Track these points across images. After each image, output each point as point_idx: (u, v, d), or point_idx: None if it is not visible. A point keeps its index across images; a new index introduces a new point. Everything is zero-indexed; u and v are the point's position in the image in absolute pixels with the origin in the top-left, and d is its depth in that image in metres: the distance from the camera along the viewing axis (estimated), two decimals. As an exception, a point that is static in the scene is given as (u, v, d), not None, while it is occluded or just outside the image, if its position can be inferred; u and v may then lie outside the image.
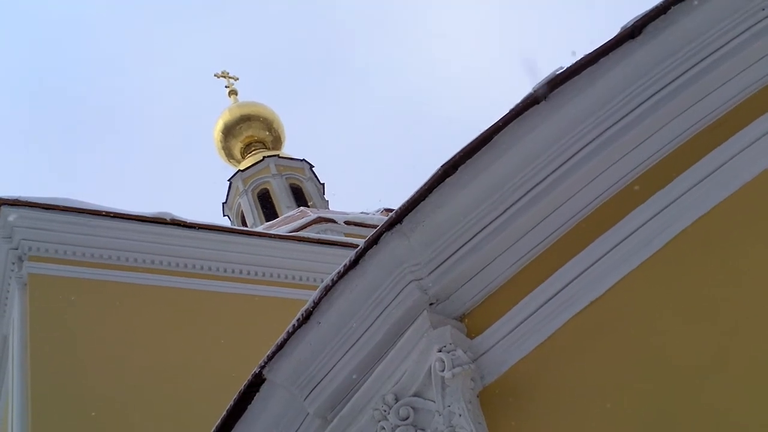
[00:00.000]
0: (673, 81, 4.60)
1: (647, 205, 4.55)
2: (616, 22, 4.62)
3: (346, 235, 16.02)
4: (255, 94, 44.97)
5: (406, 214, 4.86)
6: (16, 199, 11.26)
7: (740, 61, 4.54)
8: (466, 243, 4.90)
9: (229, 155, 29.40)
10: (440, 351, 4.67)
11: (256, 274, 12.67)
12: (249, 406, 5.43)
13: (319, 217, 17.03)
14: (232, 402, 5.45)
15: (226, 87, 30.88)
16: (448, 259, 4.93)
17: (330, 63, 67.20)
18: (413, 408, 4.77)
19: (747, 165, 4.34)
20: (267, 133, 29.45)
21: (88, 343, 10.74)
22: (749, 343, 3.94)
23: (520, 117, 4.70)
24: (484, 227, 4.87)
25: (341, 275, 5.02)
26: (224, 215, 27.91)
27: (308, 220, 16.80)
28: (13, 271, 11.30)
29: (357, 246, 5.07)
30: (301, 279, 12.88)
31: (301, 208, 22.73)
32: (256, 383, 5.37)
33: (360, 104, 66.07)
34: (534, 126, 4.72)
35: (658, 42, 4.57)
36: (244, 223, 26.07)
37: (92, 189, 62.27)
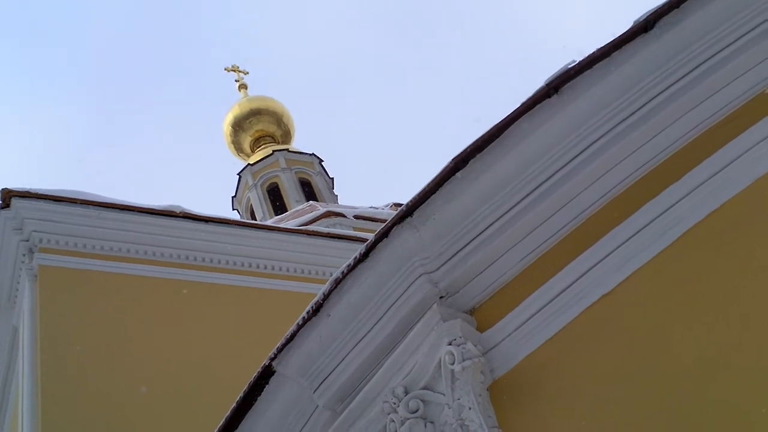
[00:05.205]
0: (686, 75, 4.58)
1: (659, 199, 4.54)
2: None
3: (356, 229, 16.03)
4: (265, 89, 44.98)
5: (417, 207, 4.86)
6: (27, 191, 11.30)
7: (754, 55, 4.51)
8: (476, 236, 4.90)
9: (239, 149, 29.43)
10: (450, 344, 4.68)
11: (265, 267, 12.68)
12: (258, 398, 5.46)
13: (329, 211, 17.03)
14: (241, 394, 5.47)
15: (236, 81, 30.91)
16: (458, 252, 4.93)
17: (339, 57, 67.18)
18: (423, 401, 4.78)
19: (759, 160, 4.32)
20: (276, 127, 29.48)
21: (98, 335, 10.77)
22: (760, 338, 3.92)
23: (531, 111, 4.69)
24: (495, 221, 4.87)
25: (351, 268, 5.02)
26: (233, 209, 27.94)
27: (317, 214, 16.80)
28: (23, 262, 11.34)
29: (366, 240, 5.08)
30: (310, 273, 12.89)
31: (311, 202, 22.73)
32: (265, 375, 5.39)
33: (371, 99, 66.01)
34: (545, 120, 4.71)
35: (670, 36, 4.55)
36: (254, 217, 26.10)
37: (102, 181, 62.47)
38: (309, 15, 64.85)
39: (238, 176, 27.77)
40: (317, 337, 5.18)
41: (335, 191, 27.32)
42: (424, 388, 4.81)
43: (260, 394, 5.45)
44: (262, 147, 28.60)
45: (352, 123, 65.47)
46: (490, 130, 4.73)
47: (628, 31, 4.57)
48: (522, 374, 4.67)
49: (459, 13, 62.56)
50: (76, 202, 11.50)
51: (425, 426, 4.72)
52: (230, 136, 29.45)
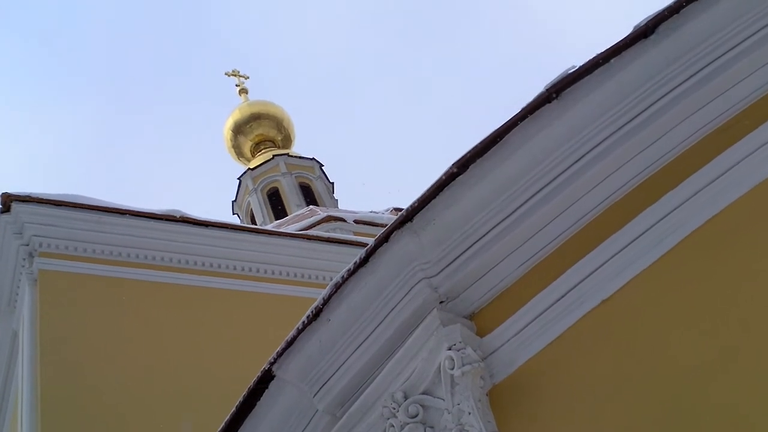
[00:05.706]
0: (686, 81, 4.58)
1: (658, 205, 4.54)
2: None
3: (356, 233, 16.04)
4: (265, 93, 45.04)
5: (417, 212, 4.86)
6: (27, 196, 11.32)
7: (754, 61, 4.52)
8: (476, 241, 4.90)
9: (239, 154, 29.46)
10: (450, 349, 4.67)
11: (265, 272, 12.69)
12: (258, 403, 5.46)
13: (329, 216, 17.05)
14: (241, 398, 5.47)
15: (236, 85, 30.95)
16: (458, 257, 4.93)
17: (340, 62, 67.24)
18: (422, 406, 4.77)
19: (759, 166, 4.32)
20: (277, 131, 29.51)
21: (98, 339, 10.78)
22: (759, 342, 3.92)
23: (531, 116, 4.69)
24: (495, 226, 4.87)
25: (351, 272, 5.02)
26: (233, 213, 27.95)
27: (318, 219, 16.81)
28: (23, 267, 11.35)
29: (366, 245, 5.08)
30: (310, 277, 12.89)
31: (311, 206, 22.77)
32: (265, 380, 5.39)
33: (370, 104, 66.05)
34: (545, 125, 4.71)
35: (670, 41, 4.55)
36: (254, 222, 26.09)
37: (102, 184, 62.49)
38: (309, 19, 64.94)
39: (238, 180, 27.79)
40: (317, 342, 5.17)
41: (335, 196, 27.34)
42: (424, 392, 4.80)
43: (260, 399, 5.45)
44: (263, 151, 28.62)
45: (352, 127, 65.49)
46: (491, 134, 4.73)
47: (627, 36, 4.58)
48: (522, 379, 4.67)
49: (460, 14, 62.64)
50: (76, 207, 11.51)
51: (425, 431, 4.71)
52: (230, 140, 29.48)
